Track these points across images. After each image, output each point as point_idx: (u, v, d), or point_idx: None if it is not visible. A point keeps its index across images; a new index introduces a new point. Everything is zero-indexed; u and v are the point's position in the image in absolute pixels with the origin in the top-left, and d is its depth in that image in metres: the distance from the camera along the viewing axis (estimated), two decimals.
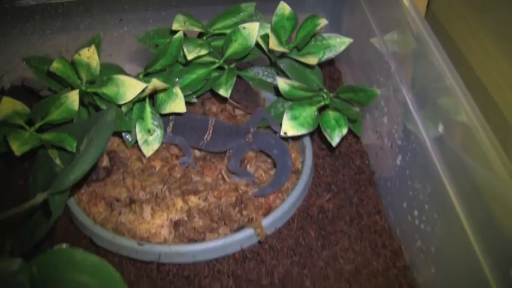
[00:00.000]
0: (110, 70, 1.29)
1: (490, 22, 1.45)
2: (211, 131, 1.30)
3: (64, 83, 1.19)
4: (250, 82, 1.41)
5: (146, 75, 1.31)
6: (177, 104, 1.25)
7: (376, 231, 1.24)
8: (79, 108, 1.17)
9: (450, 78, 1.01)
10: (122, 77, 1.19)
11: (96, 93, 1.20)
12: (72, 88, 1.18)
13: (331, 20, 1.42)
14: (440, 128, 1.03)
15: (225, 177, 1.27)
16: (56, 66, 1.14)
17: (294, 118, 1.24)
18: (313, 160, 1.31)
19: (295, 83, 1.25)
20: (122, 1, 1.42)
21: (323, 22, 1.26)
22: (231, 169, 1.27)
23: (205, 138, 1.29)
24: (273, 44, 1.24)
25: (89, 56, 1.16)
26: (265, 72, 1.40)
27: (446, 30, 1.57)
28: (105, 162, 1.29)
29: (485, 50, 1.42)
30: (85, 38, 1.36)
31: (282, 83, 1.25)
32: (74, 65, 1.18)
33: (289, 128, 1.23)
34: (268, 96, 1.43)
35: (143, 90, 1.19)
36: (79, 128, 1.17)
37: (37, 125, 1.17)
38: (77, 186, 1.25)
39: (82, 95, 1.19)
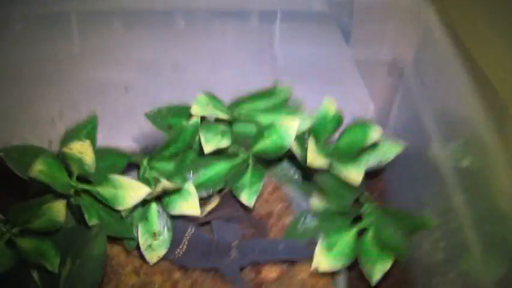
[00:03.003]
0: (105, 156, 1.06)
1: None
2: (185, 245, 1.08)
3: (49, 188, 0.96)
4: (275, 177, 1.18)
5: (152, 160, 1.09)
6: (190, 205, 1.02)
7: None
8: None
9: None
10: (120, 179, 0.98)
11: (89, 192, 0.99)
12: (60, 194, 0.96)
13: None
14: None
15: None
16: (38, 169, 0.91)
17: (330, 248, 1.02)
18: None
19: (332, 206, 1.03)
20: (129, 65, 1.19)
21: (376, 134, 1.02)
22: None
23: (176, 251, 1.07)
24: (313, 157, 1.00)
25: (82, 151, 0.94)
26: (294, 168, 1.18)
27: None
28: None
29: None
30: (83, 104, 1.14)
31: (317, 203, 1.04)
32: (62, 157, 0.96)
33: (323, 261, 1.01)
34: (296, 195, 1.20)
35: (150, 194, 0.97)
36: (64, 238, 0.97)
37: (13, 231, 0.96)
38: None
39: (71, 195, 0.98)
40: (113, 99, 1.22)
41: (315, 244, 1.04)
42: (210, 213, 1.12)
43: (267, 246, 1.10)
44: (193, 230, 1.10)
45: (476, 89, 0.98)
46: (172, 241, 1.06)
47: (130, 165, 1.09)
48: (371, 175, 1.33)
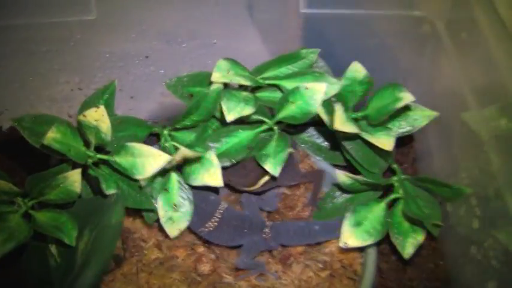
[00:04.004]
0: (125, 126, 1.03)
1: None
2: (217, 220, 1.02)
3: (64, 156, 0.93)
4: (302, 146, 1.13)
5: (173, 130, 1.05)
6: (212, 175, 0.97)
7: None
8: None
9: None
10: (139, 146, 0.94)
11: (107, 162, 0.95)
12: (74, 164, 0.92)
13: (408, 81, 1.13)
14: None
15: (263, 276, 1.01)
16: (52, 136, 0.88)
17: (358, 224, 0.98)
18: (377, 262, 1.03)
19: (360, 178, 0.98)
20: (148, 34, 1.14)
21: (407, 98, 0.96)
22: (241, 267, 1.01)
23: (207, 225, 1.02)
24: (340, 122, 0.95)
25: (98, 118, 0.90)
26: (322, 136, 1.13)
27: None
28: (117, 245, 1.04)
29: None
30: (102, 75, 1.11)
31: (342, 177, 0.98)
32: (78, 127, 0.92)
33: (351, 237, 0.97)
34: (324, 167, 1.14)
35: (169, 161, 0.93)
36: (82, 210, 0.94)
37: (29, 203, 0.93)
38: None
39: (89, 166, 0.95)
40: (134, 68, 1.18)
41: None
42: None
43: (302, 228, 1.05)
44: (226, 205, 1.06)
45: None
46: (203, 213, 1.02)
47: (152, 137, 1.06)
48: (402, 143, 1.27)
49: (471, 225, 0.99)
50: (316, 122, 1.04)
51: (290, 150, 1.04)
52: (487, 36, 0.99)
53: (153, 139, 1.06)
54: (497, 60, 0.96)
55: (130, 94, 1.19)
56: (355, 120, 1.02)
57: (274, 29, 1.15)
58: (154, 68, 1.16)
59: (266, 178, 1.05)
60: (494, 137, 0.94)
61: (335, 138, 1.06)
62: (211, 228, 1.02)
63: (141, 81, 1.18)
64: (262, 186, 1.06)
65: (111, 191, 0.93)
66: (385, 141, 0.98)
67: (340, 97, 1.03)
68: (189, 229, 1.04)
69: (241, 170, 1.02)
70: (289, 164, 1.05)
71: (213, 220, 1.02)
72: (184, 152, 0.93)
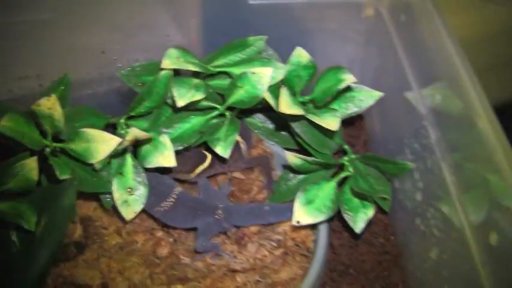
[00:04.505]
0: (83, 116, 1.07)
1: None
2: (172, 200, 1.06)
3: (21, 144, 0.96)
4: (256, 131, 1.18)
5: (129, 119, 1.09)
6: (166, 157, 1.02)
7: None
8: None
9: (502, 157, 0.77)
10: (91, 131, 0.98)
11: (64, 150, 0.99)
12: (31, 151, 0.96)
13: (354, 66, 1.18)
14: (493, 239, 0.79)
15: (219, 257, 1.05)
16: (5, 124, 0.91)
17: (309, 202, 1.01)
18: (329, 238, 1.07)
19: (309, 158, 1.02)
20: (105, 29, 1.18)
21: (349, 79, 1.01)
22: (200, 250, 1.05)
23: (163, 205, 1.05)
24: (285, 105, 0.99)
25: (50, 106, 0.93)
26: (273, 119, 1.17)
27: None
28: (78, 233, 1.07)
29: None
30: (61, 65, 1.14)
31: (293, 158, 1.02)
32: (34, 117, 0.95)
33: (303, 215, 1.01)
34: (277, 151, 1.19)
35: (121, 143, 0.97)
36: (40, 197, 0.97)
37: None
38: None
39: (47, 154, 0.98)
40: (89, 61, 1.21)
41: None
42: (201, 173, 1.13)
43: (252, 209, 1.09)
44: (181, 189, 1.09)
45: (450, 34, 0.96)
46: (159, 194, 1.06)
47: (109, 129, 1.09)
48: (353, 126, 1.32)
49: (415, 198, 1.04)
50: (269, 108, 1.08)
51: (238, 137, 1.09)
52: (421, 18, 1.04)
53: (110, 131, 1.10)
54: (429, 41, 1.02)
55: (88, 87, 1.22)
56: (303, 104, 1.06)
57: (224, 21, 1.19)
58: (111, 61, 1.19)
59: (205, 165, 1.10)
60: (432, 110, 0.99)
61: (284, 121, 1.10)
62: (166, 208, 1.05)
63: (98, 73, 1.21)
64: (200, 173, 1.11)
65: (65, 177, 0.96)
66: (331, 121, 1.02)
67: (287, 82, 1.07)
68: (147, 213, 1.08)
69: (180, 159, 1.06)
70: (234, 150, 1.08)
71: (168, 200, 1.06)
72: (134, 132, 0.97)
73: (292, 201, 1.04)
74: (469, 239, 0.85)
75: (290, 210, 1.03)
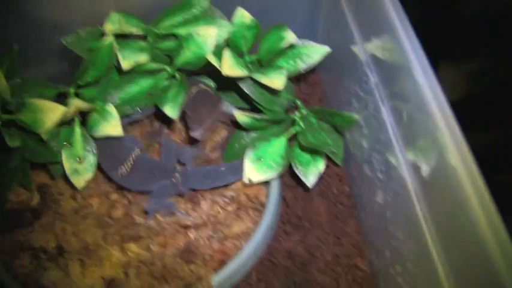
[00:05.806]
0: (33, 87, 1.07)
1: None
2: (129, 164, 1.07)
3: None
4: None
5: (79, 88, 1.10)
6: (113, 126, 1.02)
7: (357, 280, 1.02)
8: None
9: (433, 105, 0.77)
10: (38, 101, 0.98)
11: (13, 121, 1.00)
12: None
13: (305, 23, 1.19)
14: (425, 171, 0.80)
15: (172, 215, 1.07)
16: None
17: (258, 159, 1.02)
18: (280, 192, 1.08)
19: (257, 116, 1.03)
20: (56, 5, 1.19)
21: (290, 37, 1.02)
22: (150, 211, 1.06)
23: (120, 168, 1.06)
24: (228, 67, 0.99)
25: None
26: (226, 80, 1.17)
27: None
28: (35, 200, 1.09)
29: None
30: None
31: (241, 116, 1.03)
32: None
33: (253, 172, 1.02)
34: (233, 111, 1.18)
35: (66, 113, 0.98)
36: None
37: None
38: None
39: None
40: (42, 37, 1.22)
41: None
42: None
43: (210, 171, 1.09)
44: (138, 151, 1.10)
45: None
46: (116, 158, 1.07)
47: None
48: (307, 84, 1.33)
49: (362, 145, 1.05)
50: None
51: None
52: None
53: (63, 101, 1.11)
54: None
55: (39, 58, 1.23)
56: (250, 63, 1.07)
57: None
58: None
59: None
60: (371, 58, 0.99)
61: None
62: (123, 171, 1.06)
63: (50, 47, 1.22)
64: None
65: (15, 144, 0.98)
66: (276, 80, 1.01)
67: (232, 43, 1.07)
68: (103, 177, 1.09)
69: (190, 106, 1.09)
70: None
71: (126, 164, 1.06)
72: (77, 102, 0.98)
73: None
74: (405, 174, 0.85)
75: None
